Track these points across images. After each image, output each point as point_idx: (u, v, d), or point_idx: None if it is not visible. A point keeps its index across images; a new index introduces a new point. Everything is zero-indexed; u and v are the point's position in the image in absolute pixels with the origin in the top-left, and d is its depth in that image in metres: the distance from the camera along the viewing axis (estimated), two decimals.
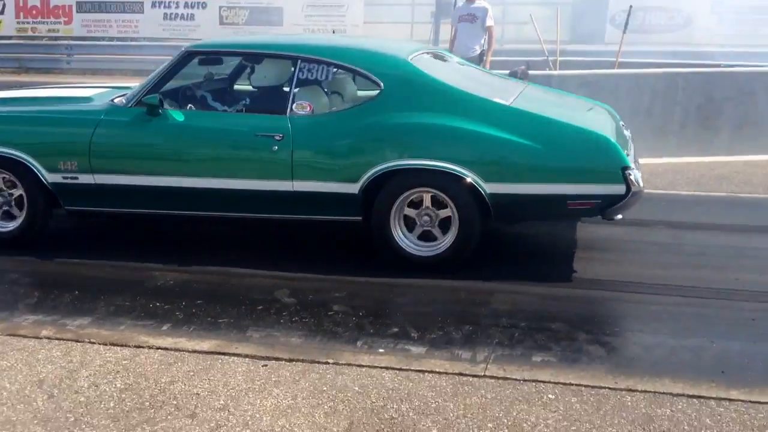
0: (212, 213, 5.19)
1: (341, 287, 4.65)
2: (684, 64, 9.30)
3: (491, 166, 4.75)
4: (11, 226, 5.33)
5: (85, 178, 5.13)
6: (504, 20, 20.48)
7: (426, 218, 4.89)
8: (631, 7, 8.78)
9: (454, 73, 5.49)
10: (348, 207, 4.94)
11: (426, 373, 3.60)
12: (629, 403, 3.34)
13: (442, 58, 5.88)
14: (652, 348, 3.86)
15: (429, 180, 4.81)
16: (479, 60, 9.28)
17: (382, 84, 4.97)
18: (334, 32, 18.04)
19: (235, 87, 6.16)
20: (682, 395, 3.40)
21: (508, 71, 7.16)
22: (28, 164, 5.15)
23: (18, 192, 5.29)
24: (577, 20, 19.27)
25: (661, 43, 18.59)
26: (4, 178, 5.30)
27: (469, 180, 4.72)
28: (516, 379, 3.54)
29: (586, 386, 3.48)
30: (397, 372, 3.61)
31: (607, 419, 3.22)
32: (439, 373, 3.60)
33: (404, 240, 4.92)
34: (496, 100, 5.02)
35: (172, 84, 5.44)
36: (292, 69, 5.25)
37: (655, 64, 9.73)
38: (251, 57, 5.82)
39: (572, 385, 3.50)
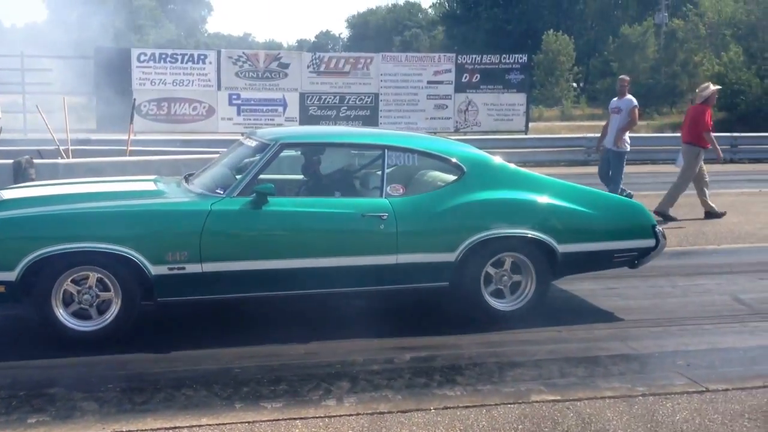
0: (318, 290, 5.53)
1: None
2: (186, 151, 10.26)
3: (563, 230, 5.78)
4: (95, 324, 5.12)
5: (192, 267, 5.14)
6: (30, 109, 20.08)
7: (505, 278, 5.75)
8: (134, 99, 9.47)
9: None
10: (442, 274, 5.63)
11: None
12: None
13: None
14: (137, 395, 4.40)
15: (514, 245, 5.69)
16: None
17: (465, 168, 5.80)
18: None
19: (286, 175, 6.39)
20: (160, 429, 3.99)
21: (12, 161, 7.30)
22: (132, 258, 5.02)
23: (107, 296, 5.11)
24: (104, 110, 19.66)
25: (191, 132, 19.90)
26: (99, 278, 5.06)
27: (546, 243, 5.69)
28: None
29: None
30: None
31: None
32: None
33: (489, 298, 5.71)
34: (549, 177, 6.15)
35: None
36: (380, 157, 5.80)
37: (169, 151, 10.52)
38: (337, 147, 6.28)
39: None
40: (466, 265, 5.63)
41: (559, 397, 4.48)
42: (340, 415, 4.19)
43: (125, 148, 9.97)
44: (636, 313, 6.16)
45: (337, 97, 21.30)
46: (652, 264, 6.47)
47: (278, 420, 4.11)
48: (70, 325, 5.08)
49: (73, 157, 9.40)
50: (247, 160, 5.83)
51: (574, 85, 44.03)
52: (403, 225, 5.51)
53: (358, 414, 4.21)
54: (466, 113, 22.20)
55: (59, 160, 8.89)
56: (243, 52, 21.46)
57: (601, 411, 4.30)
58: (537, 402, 4.41)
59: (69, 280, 5.06)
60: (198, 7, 71.76)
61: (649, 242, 6.09)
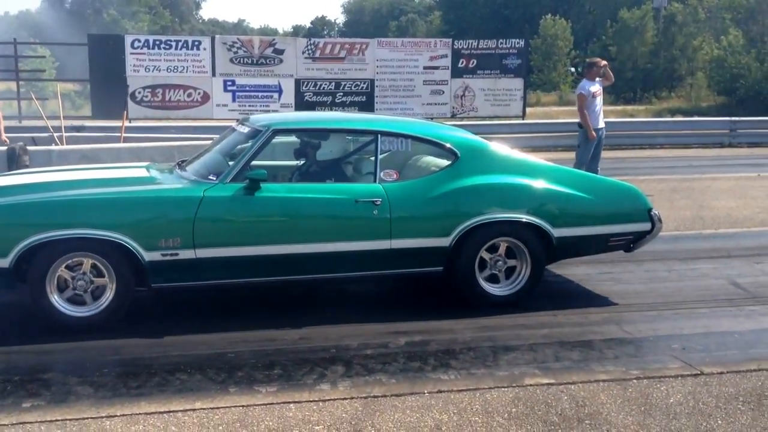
0: (311, 276, 5.54)
1: None
2: (180, 137, 10.24)
3: (558, 214, 5.78)
4: (89, 310, 5.12)
5: (185, 254, 5.14)
6: (24, 96, 20.04)
7: (500, 263, 5.74)
8: (128, 86, 9.40)
9: None
10: (436, 259, 5.62)
11: None
12: (108, 427, 3.83)
13: None
14: (131, 380, 4.40)
15: (509, 230, 5.68)
16: None
17: (459, 153, 5.77)
18: None
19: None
20: (155, 413, 3.99)
21: (6, 148, 7.27)
22: (125, 245, 5.02)
23: (101, 282, 5.12)
24: (98, 97, 19.59)
25: (186, 119, 19.85)
26: (93, 264, 5.07)
27: (541, 227, 5.70)
28: (4, 424, 3.83)
29: (70, 419, 3.90)
30: None
31: None
32: None
33: (484, 283, 5.71)
34: (544, 162, 6.12)
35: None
36: (373, 143, 5.76)
37: (163, 138, 10.53)
38: (330, 133, 6.24)
39: (58, 420, 3.89)
40: (461, 250, 5.63)
41: (553, 381, 4.48)
42: (334, 399, 4.18)
43: (119, 135, 9.94)
44: (631, 298, 6.15)
45: (333, 83, 21.21)
46: (648, 248, 6.47)
47: (272, 404, 4.11)
48: (64, 311, 5.09)
49: (67, 144, 9.38)
50: (240, 147, 5.82)
51: (572, 69, 43.93)
52: (396, 210, 5.50)
53: (352, 398, 4.20)
54: (463, 99, 22.12)
55: (53, 147, 8.87)
56: (237, 38, 21.31)
57: (595, 394, 4.31)
58: (531, 385, 4.41)
59: (63, 266, 5.06)
60: None
61: (645, 226, 6.08)
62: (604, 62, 10.73)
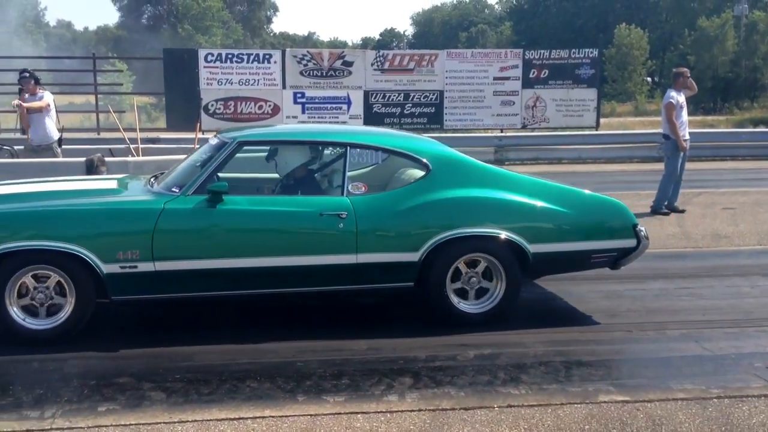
0: (275, 290, 5.44)
1: None
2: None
3: (534, 229, 5.56)
4: (52, 322, 5.08)
5: (145, 266, 5.09)
6: (102, 109, 20.63)
7: (473, 280, 5.55)
8: (201, 99, 9.57)
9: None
10: (405, 274, 5.46)
11: None
12: (180, 431, 3.90)
13: None
14: (203, 386, 4.44)
15: (481, 245, 5.48)
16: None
17: (430, 165, 5.60)
18: None
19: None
20: (225, 419, 4.03)
21: (84, 159, 7.47)
22: (83, 256, 4.98)
23: (54, 279, 5.05)
24: (173, 110, 20.03)
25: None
26: (35, 275, 5.02)
27: (515, 243, 5.48)
28: (81, 428, 3.92)
29: (144, 424, 3.97)
30: None
31: None
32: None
33: (455, 300, 5.53)
34: (523, 174, 5.94)
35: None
36: (342, 155, 5.61)
37: None
38: (297, 145, 6.12)
39: (132, 424, 3.96)
40: (431, 265, 5.45)
41: (628, 398, 4.34)
42: (402, 411, 4.14)
43: (193, 146, 10.12)
44: (711, 314, 5.95)
45: (402, 95, 21.20)
46: (729, 263, 6.25)
47: (340, 414, 4.10)
48: (23, 323, 5.06)
49: (142, 155, 9.60)
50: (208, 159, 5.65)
51: (648, 79, 43.11)
52: (363, 224, 5.36)
53: (420, 410, 4.15)
54: (534, 109, 21.84)
55: (129, 158, 9.09)
56: (307, 51, 21.54)
57: (673, 413, 4.16)
58: (605, 402, 4.29)
59: (23, 278, 5.03)
60: (264, 8, 72.66)
61: (630, 242, 5.78)
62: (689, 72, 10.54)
